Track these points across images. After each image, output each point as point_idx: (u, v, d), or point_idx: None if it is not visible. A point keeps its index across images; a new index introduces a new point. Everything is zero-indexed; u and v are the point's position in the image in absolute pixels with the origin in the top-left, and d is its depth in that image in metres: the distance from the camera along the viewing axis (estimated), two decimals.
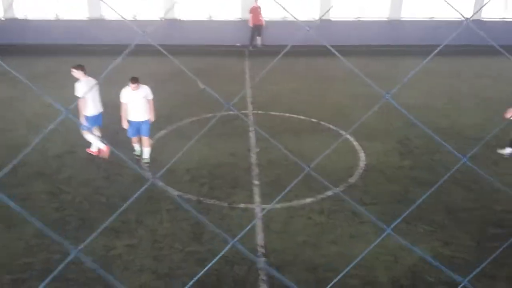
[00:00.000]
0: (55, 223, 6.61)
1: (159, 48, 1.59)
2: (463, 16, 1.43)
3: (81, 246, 1.36)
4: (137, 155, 8.72)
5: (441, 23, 19.15)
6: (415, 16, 19.30)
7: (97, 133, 8.97)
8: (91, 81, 8.50)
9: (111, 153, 8.84)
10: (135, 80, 8.08)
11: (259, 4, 17.73)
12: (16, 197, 7.21)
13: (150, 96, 8.38)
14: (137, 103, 8.20)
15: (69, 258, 1.27)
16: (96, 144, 8.77)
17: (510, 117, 8.05)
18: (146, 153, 8.60)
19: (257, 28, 18.04)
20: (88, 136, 8.69)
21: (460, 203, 7.35)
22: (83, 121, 8.42)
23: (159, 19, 18.88)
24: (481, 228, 6.72)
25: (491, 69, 15.78)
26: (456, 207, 7.22)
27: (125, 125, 8.38)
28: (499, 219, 6.94)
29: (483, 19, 19.29)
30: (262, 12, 17.89)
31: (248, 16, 18.08)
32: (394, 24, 19.12)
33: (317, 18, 18.72)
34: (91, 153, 8.84)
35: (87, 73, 8.48)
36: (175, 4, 18.72)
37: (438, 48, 1.54)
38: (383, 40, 18.84)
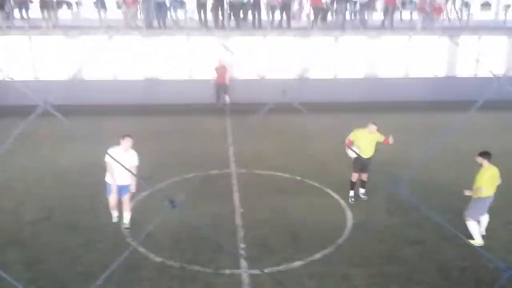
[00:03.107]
0: None
1: (59, 116, 1.46)
2: (492, 74, 1.33)
3: None
4: (116, 221, 8.37)
5: (414, 80, 19.74)
6: (389, 75, 19.86)
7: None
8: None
9: (91, 217, 8.51)
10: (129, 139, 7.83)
11: (223, 64, 18.12)
12: None
13: (136, 162, 8.04)
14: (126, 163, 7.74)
15: None
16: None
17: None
18: (127, 217, 8.26)
19: (222, 87, 18.32)
20: None
21: (452, 261, 7.18)
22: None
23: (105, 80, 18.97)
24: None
25: (467, 124, 16.09)
26: (448, 266, 7.04)
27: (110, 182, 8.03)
28: (493, 278, 6.77)
29: (456, 76, 20.02)
30: (228, 71, 18.26)
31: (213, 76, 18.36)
32: (371, 82, 19.62)
33: (295, 77, 19.10)
34: None
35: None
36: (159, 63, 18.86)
37: (478, 104, 1.43)
38: (360, 97, 19.22)
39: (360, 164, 9.21)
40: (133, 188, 8.15)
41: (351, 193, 9.46)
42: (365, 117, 16.76)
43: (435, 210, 8.63)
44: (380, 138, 9.25)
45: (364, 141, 9.15)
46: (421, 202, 9.11)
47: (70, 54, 18.20)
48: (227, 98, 18.65)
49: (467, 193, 7.58)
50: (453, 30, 21.08)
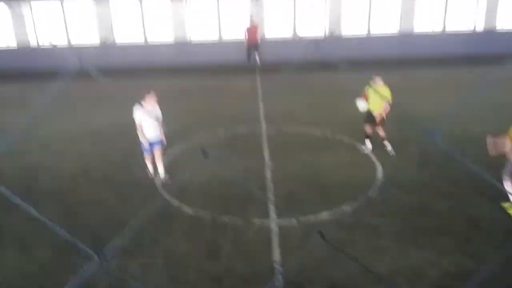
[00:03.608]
0: (68, 245, 6.49)
1: (95, 73, 1.49)
2: None
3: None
4: (151, 175, 8.65)
5: (451, 35, 19.04)
6: (426, 30, 19.20)
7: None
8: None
9: (124, 173, 8.80)
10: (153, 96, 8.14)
11: (254, 23, 17.90)
12: (29, 219, 7.13)
13: (161, 116, 8.40)
14: (150, 122, 8.16)
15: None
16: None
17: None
18: (161, 170, 8.59)
19: (253, 46, 18.17)
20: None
21: (484, 214, 7.09)
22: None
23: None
24: (508, 240, 6.45)
25: (503, 77, 15.50)
26: (479, 219, 6.96)
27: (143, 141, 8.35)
28: None
29: (495, 30, 19.13)
30: (258, 30, 18.06)
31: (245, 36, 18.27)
32: (404, 38, 19.03)
33: (327, 33, 18.73)
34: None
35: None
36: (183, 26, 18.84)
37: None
38: (394, 54, 18.74)
39: (369, 117, 9.36)
40: (164, 141, 8.40)
41: (367, 143, 9.64)
42: (398, 73, 16.46)
43: (467, 162, 8.47)
44: (387, 93, 9.11)
45: (372, 96, 9.21)
46: (455, 153, 8.95)
47: (101, 19, 18.37)
48: (257, 58, 18.56)
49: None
50: None
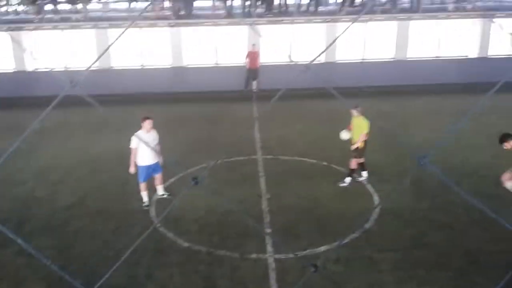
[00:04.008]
0: (62, 281, 6.38)
1: (88, 99, 1.50)
2: None
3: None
4: (146, 206, 8.60)
5: (446, 61, 19.23)
6: (420, 56, 19.41)
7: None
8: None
9: (120, 204, 8.76)
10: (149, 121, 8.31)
11: (256, 49, 18.06)
12: (22, 253, 7.04)
13: (157, 141, 8.62)
14: (148, 148, 8.33)
15: None
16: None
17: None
18: (161, 190, 8.87)
19: (253, 72, 18.28)
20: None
21: (481, 246, 7.05)
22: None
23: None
24: (506, 272, 6.39)
25: (498, 106, 15.58)
26: (476, 251, 6.92)
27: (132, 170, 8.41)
28: None
29: (489, 57, 19.34)
30: (259, 57, 18.21)
31: (245, 60, 18.41)
32: (399, 64, 19.22)
33: (322, 60, 18.89)
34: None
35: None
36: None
37: (497, 86, 1.42)
38: (388, 81, 18.88)
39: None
40: (161, 163, 8.63)
41: (363, 173, 9.57)
42: (393, 101, 16.57)
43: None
44: (363, 124, 8.97)
45: (353, 126, 9.23)
46: (449, 183, 8.94)
47: (100, 45, 18.49)
48: (255, 84, 18.65)
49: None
50: (487, 11, 20.33)
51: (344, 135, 9.36)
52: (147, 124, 8.29)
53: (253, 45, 18.05)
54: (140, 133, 8.31)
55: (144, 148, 8.15)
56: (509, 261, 6.65)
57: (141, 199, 8.61)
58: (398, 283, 6.19)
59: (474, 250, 6.93)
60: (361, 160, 9.37)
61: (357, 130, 9.07)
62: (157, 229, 7.72)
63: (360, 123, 9.03)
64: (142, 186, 8.56)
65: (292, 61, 18.70)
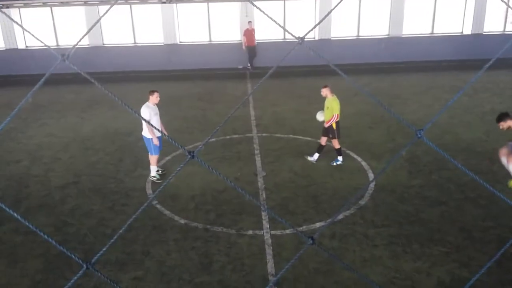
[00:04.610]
0: (59, 257, 6.41)
1: (84, 74, 1.48)
2: None
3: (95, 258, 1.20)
4: (158, 179, 8.68)
5: (440, 38, 19.16)
6: (415, 33, 19.31)
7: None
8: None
9: (115, 181, 8.74)
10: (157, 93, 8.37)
11: (252, 27, 17.93)
12: (19, 231, 7.04)
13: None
14: (158, 117, 8.42)
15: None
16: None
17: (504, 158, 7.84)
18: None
19: (251, 50, 18.22)
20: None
21: (475, 221, 7.14)
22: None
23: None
24: (500, 247, 6.49)
25: (491, 83, 15.64)
26: (471, 226, 7.00)
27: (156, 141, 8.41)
28: None
29: (484, 33, 19.27)
30: (255, 34, 18.11)
31: (242, 38, 18.32)
32: (394, 41, 19.12)
33: (317, 37, 18.74)
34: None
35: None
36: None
37: (490, 63, 1.41)
38: (383, 58, 18.81)
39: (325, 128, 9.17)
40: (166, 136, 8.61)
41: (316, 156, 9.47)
42: (387, 78, 16.55)
43: (458, 170, 8.53)
44: (333, 105, 8.86)
45: (324, 106, 9.12)
46: (444, 160, 9.01)
47: (90, 23, 18.19)
48: (251, 62, 18.57)
49: None
50: None
51: (319, 116, 9.26)
52: (155, 97, 8.36)
53: (249, 22, 17.88)
54: (148, 104, 8.36)
55: (155, 120, 8.22)
56: (503, 236, 6.75)
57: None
58: (393, 257, 6.27)
59: (469, 226, 7.01)
60: (337, 144, 9.20)
61: (327, 111, 8.95)
62: (154, 207, 7.74)
63: (329, 104, 8.92)
64: (155, 159, 8.61)
65: (286, 31, 18.53)
